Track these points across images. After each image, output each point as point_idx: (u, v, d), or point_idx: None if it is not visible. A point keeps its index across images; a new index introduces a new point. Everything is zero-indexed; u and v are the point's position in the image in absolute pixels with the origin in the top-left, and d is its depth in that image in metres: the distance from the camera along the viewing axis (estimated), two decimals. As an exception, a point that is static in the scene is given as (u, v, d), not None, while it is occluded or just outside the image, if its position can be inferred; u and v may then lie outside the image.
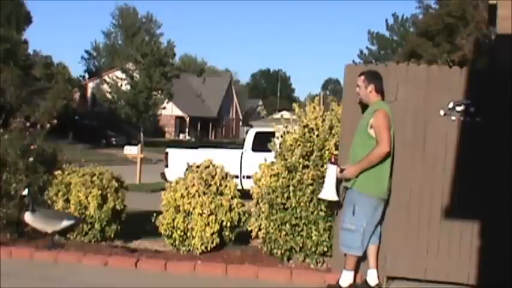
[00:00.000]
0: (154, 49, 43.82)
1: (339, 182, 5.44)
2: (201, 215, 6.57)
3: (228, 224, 6.67)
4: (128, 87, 43.65)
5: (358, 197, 5.22)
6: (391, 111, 5.34)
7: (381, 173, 5.23)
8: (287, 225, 6.14)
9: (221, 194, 6.80)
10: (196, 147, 15.39)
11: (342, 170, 5.34)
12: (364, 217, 5.23)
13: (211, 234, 6.58)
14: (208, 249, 6.60)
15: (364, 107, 5.52)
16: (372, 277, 5.40)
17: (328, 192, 5.43)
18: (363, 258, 5.43)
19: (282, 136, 6.60)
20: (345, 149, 5.73)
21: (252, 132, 13.68)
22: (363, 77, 5.43)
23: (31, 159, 7.34)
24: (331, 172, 5.41)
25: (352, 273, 5.33)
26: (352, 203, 5.25)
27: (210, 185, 6.78)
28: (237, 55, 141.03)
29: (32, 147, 7.44)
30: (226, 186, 6.88)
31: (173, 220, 6.64)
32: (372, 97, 5.40)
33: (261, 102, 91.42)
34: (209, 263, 6.17)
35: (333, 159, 5.46)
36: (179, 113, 60.35)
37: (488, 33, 24.84)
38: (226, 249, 6.80)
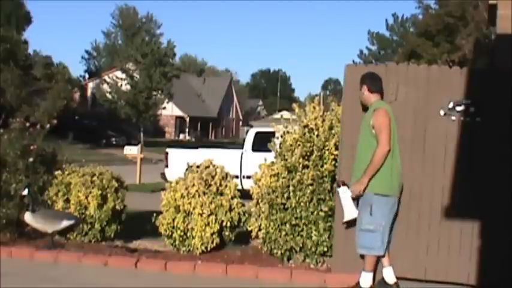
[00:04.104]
0: (155, 49, 43.83)
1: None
2: (201, 215, 6.57)
3: (228, 224, 6.67)
4: (128, 87, 43.66)
5: (374, 198, 5.22)
6: (391, 110, 5.35)
7: (389, 171, 5.23)
8: (287, 225, 6.14)
9: (221, 194, 6.80)
10: (196, 147, 15.38)
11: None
12: (382, 216, 5.24)
13: (211, 234, 6.59)
14: (208, 249, 6.60)
15: (366, 109, 5.53)
16: (390, 275, 5.40)
17: (350, 213, 5.43)
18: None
19: (282, 136, 6.60)
20: (345, 149, 5.74)
21: (252, 132, 13.67)
22: (359, 80, 5.48)
23: (31, 159, 7.35)
24: (344, 193, 5.42)
25: (371, 274, 5.32)
26: (368, 204, 5.24)
27: (210, 185, 6.79)
28: (237, 55, 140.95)
29: (32, 147, 7.44)
30: (226, 186, 6.88)
31: (173, 220, 6.65)
32: (367, 98, 5.42)
33: (261, 102, 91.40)
34: (209, 263, 6.17)
35: (340, 183, 5.46)
36: (179, 113, 60.34)
37: (488, 33, 24.85)
38: (226, 249, 6.80)
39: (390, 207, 5.29)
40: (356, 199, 5.40)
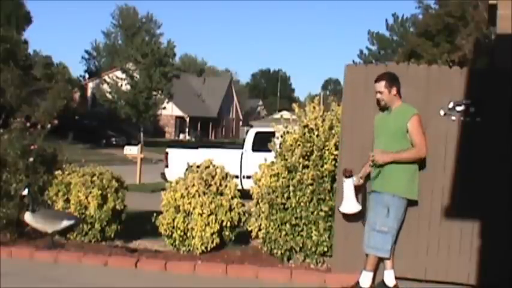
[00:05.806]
0: (155, 49, 43.84)
1: (358, 191, 5.45)
2: (201, 215, 6.57)
3: (228, 224, 6.67)
4: (128, 87, 43.67)
5: (392, 200, 5.21)
6: None
7: (413, 175, 5.26)
8: (287, 225, 6.14)
9: (221, 194, 6.80)
10: (196, 147, 15.39)
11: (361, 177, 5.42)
12: (396, 219, 5.25)
13: (211, 234, 6.59)
14: (208, 249, 6.60)
15: (382, 108, 5.47)
16: (390, 278, 5.41)
17: (349, 206, 5.43)
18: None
19: (282, 136, 6.60)
20: (345, 149, 5.74)
21: (252, 132, 13.67)
22: (383, 82, 5.32)
23: (31, 159, 7.34)
24: (349, 185, 5.41)
25: (371, 274, 5.33)
26: (385, 205, 5.22)
27: (210, 185, 6.79)
28: (237, 55, 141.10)
29: (32, 147, 7.44)
30: (226, 186, 6.88)
31: (173, 220, 6.65)
32: (393, 100, 5.35)
33: (261, 102, 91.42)
34: (209, 263, 6.17)
35: (346, 174, 5.43)
36: (179, 113, 60.34)
37: (488, 33, 24.84)
38: (226, 249, 6.80)
39: (404, 211, 5.32)
40: (358, 191, 5.42)
